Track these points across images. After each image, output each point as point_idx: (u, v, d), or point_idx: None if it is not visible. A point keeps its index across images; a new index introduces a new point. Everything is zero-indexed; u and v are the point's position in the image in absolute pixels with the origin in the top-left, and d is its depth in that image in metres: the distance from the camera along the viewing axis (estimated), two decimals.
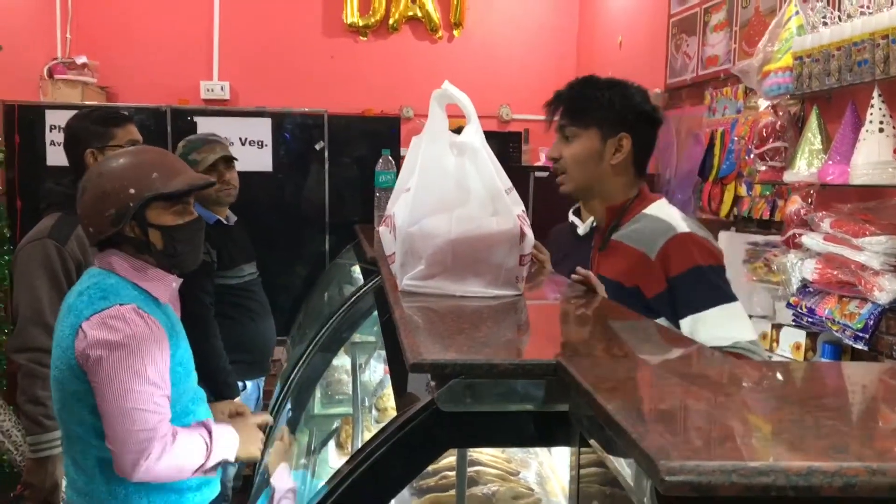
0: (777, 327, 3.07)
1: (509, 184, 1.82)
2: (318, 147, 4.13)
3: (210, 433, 1.86)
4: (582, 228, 2.01)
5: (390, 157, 3.26)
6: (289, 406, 2.35)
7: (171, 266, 1.91)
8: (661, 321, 1.78)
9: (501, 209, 1.64)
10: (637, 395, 0.87)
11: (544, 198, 4.27)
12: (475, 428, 1.05)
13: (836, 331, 2.56)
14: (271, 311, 3.30)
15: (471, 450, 1.57)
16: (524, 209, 1.84)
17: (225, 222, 3.11)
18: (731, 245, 3.64)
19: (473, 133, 1.71)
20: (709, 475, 0.65)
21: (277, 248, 4.02)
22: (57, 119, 3.90)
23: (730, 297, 1.78)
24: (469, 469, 1.49)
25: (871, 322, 2.43)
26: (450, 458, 1.48)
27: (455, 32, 5.92)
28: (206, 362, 2.88)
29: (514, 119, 6.01)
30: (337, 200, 4.20)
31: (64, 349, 1.77)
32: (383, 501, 1.04)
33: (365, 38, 5.81)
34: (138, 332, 1.74)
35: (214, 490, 1.98)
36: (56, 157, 3.87)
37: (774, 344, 3.08)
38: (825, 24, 2.78)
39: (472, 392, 1.04)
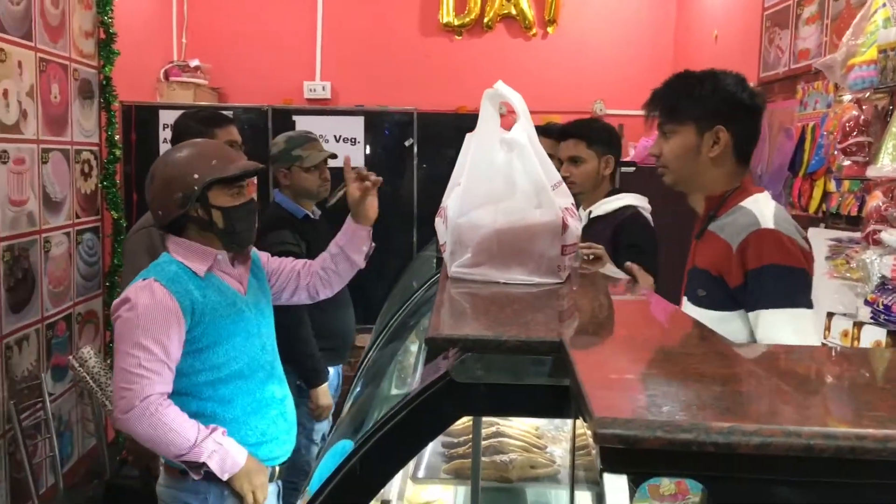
0: (859, 325, 3.01)
1: (557, 178, 1.91)
2: (407, 144, 4.29)
3: (210, 434, 2.03)
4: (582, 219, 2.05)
5: None
6: (359, 387, 2.51)
7: (232, 242, 2.14)
8: (741, 313, 1.80)
9: (545, 202, 1.73)
10: (612, 368, 0.96)
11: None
12: (487, 398, 1.15)
13: None
14: (361, 300, 3.47)
15: (499, 423, 1.67)
16: (573, 202, 1.93)
17: (312, 217, 3.28)
18: (816, 241, 3.58)
19: (521, 130, 1.81)
20: (636, 429, 0.74)
21: None
22: (169, 118, 4.18)
23: (797, 303, 1.74)
24: (494, 440, 1.59)
25: None
26: (484, 430, 1.58)
27: (549, 29, 5.97)
28: (294, 349, 3.08)
29: (608, 114, 6.00)
30: (425, 195, 4.34)
31: None
32: (403, 460, 1.16)
33: (460, 37, 5.94)
34: (142, 303, 2.01)
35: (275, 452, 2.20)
36: None
37: (856, 342, 3.03)
38: None
39: (484, 365, 1.15)
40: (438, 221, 1.90)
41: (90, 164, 3.83)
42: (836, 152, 3.40)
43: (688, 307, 1.94)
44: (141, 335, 1.99)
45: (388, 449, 1.16)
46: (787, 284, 1.74)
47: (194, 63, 5.28)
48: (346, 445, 2.33)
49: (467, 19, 5.88)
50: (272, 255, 3.05)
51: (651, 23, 6.01)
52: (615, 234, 2.66)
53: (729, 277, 1.81)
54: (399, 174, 4.38)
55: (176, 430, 1.99)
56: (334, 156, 3.28)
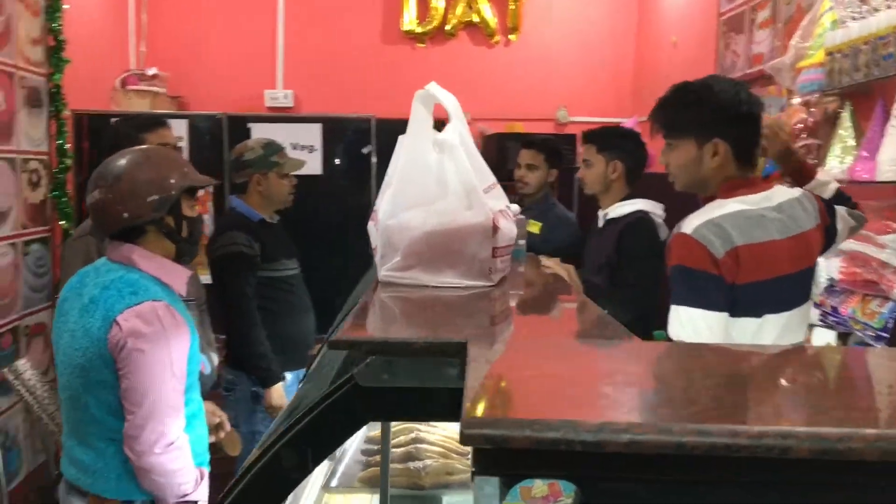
0: (810, 327, 3.01)
1: (492, 180, 1.89)
2: (365, 151, 4.26)
3: (201, 481, 2.01)
4: (600, 221, 2.43)
5: None
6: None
7: (188, 254, 2.07)
8: None
9: (475, 203, 1.71)
10: (505, 367, 0.93)
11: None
12: (392, 402, 1.12)
13: (859, 330, 2.51)
14: (321, 309, 3.44)
15: (419, 428, 1.64)
16: (508, 205, 1.90)
17: (268, 220, 3.26)
18: None
19: (453, 131, 1.79)
20: (504, 429, 0.71)
21: (324, 248, 4.16)
22: None
23: (694, 303, 1.82)
24: (411, 446, 1.56)
25: (891, 322, 2.37)
26: (402, 436, 1.55)
27: (512, 37, 5.97)
28: (248, 350, 3.07)
29: (572, 121, 6.00)
30: None
31: (94, 340, 1.89)
32: (308, 468, 1.12)
33: (423, 45, 5.93)
34: (169, 328, 1.89)
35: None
36: None
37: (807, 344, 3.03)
38: (854, 18, 2.73)
39: (389, 368, 1.11)
40: (371, 225, 1.87)
41: (38, 174, 3.75)
42: None
43: None
44: (175, 363, 1.91)
45: (292, 456, 1.13)
46: (687, 285, 1.83)
47: (152, 71, 5.22)
48: None
49: (429, 27, 5.86)
50: (223, 256, 3.04)
51: (612, 29, 6.03)
52: (619, 238, 2.81)
53: None
54: (357, 181, 4.34)
55: (189, 468, 1.95)
56: (304, 163, 3.33)
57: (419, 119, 1.81)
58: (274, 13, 5.80)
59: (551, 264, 2.17)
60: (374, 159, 4.32)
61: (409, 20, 5.83)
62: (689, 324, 1.79)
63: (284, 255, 3.30)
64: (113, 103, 5.01)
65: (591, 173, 3.02)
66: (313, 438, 1.13)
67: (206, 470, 2.07)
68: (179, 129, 4.25)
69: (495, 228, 1.70)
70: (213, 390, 2.79)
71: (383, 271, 1.73)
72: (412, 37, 5.90)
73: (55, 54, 3.83)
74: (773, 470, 0.69)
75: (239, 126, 4.25)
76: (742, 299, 1.84)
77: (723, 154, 1.91)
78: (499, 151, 4.87)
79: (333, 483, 1.35)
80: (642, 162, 3.16)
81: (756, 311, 1.87)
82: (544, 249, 3.95)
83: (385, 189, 1.86)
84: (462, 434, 0.71)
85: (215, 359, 2.91)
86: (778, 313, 1.90)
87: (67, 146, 3.96)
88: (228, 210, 3.29)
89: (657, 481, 0.72)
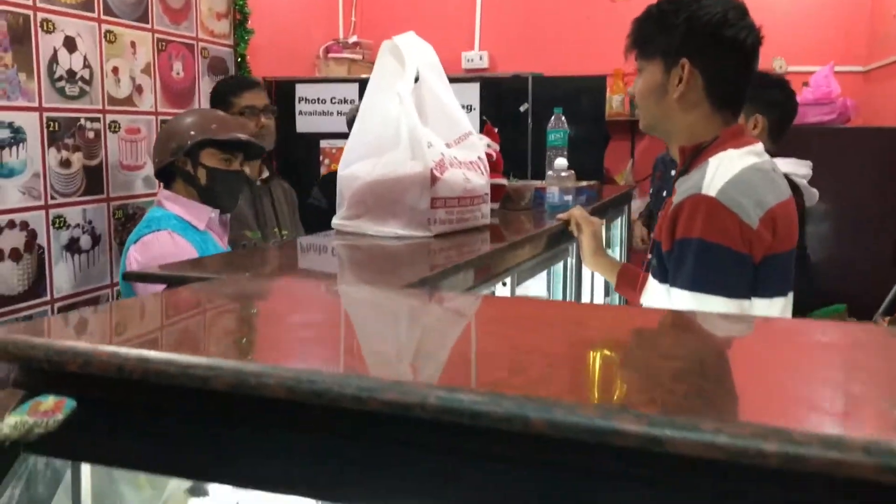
0: None
1: (464, 130, 1.87)
2: (522, 109, 4.25)
3: None
4: None
5: (562, 116, 3.28)
6: None
7: (209, 202, 2.32)
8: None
9: (418, 154, 1.71)
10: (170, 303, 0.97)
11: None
12: None
13: None
14: None
15: None
16: (481, 157, 1.87)
17: None
18: None
19: (407, 81, 1.79)
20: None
21: None
22: (304, 93, 4.54)
23: (713, 289, 1.50)
24: None
25: None
26: None
27: None
28: None
29: (791, 72, 5.43)
30: (539, 159, 4.27)
31: (122, 268, 2.27)
32: None
33: None
34: (167, 251, 2.15)
35: None
36: (304, 124, 4.56)
37: None
38: None
39: None
40: None
41: None
42: None
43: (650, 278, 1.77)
44: None
45: None
46: (707, 265, 1.50)
47: (352, 39, 5.59)
48: None
49: None
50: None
51: None
52: None
53: (663, 242, 1.61)
54: (513, 140, 4.35)
55: None
56: None
57: (384, 70, 1.83)
58: None
59: (564, 216, 2.06)
60: (530, 119, 4.29)
61: None
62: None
63: None
64: (315, 70, 5.46)
65: None
66: None
67: None
68: (351, 93, 4.53)
69: (434, 178, 1.69)
70: None
71: (334, 219, 1.80)
72: None
73: (240, 27, 4.27)
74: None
75: None
76: (763, 276, 1.53)
77: (688, 81, 1.56)
78: None
79: None
80: (790, 115, 2.83)
81: (772, 290, 1.56)
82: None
83: None
84: None
85: None
86: (786, 295, 1.59)
87: None
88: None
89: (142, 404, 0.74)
